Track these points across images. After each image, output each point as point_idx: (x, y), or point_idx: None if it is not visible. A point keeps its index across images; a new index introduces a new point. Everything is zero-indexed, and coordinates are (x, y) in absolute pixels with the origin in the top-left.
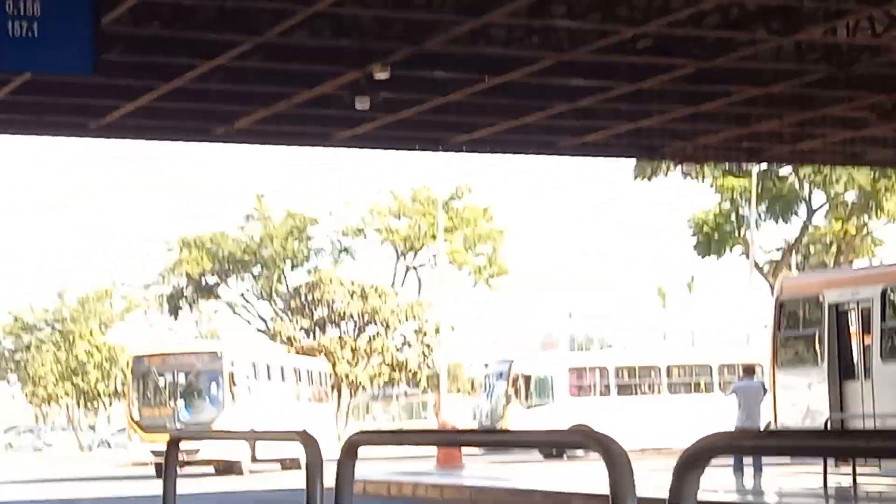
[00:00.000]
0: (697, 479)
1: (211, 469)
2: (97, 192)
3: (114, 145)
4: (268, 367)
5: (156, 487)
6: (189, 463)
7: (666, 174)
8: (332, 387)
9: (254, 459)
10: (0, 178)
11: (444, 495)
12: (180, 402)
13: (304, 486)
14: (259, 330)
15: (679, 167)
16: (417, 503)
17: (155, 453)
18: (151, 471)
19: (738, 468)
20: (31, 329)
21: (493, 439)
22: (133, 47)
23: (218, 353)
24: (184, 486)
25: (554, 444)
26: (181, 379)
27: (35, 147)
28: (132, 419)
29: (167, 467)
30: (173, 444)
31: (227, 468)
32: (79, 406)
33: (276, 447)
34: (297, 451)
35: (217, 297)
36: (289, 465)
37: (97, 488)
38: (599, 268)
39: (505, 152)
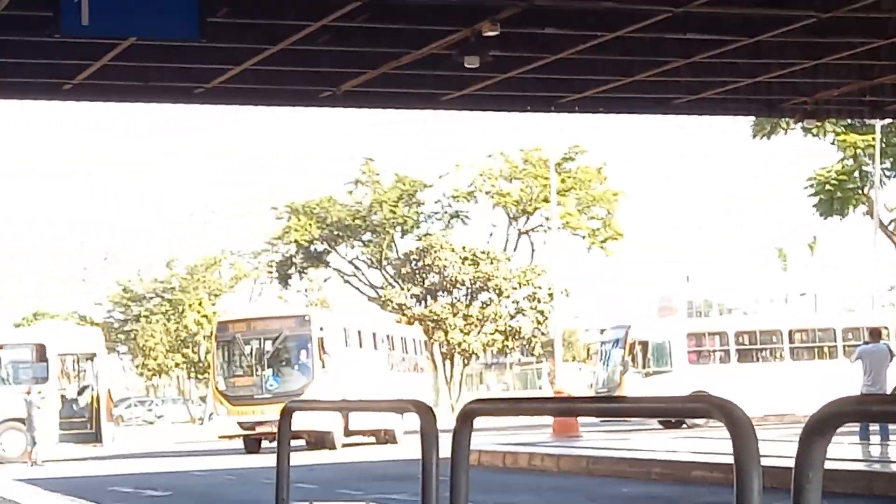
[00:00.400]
0: (825, 447)
1: (301, 442)
2: (200, 159)
3: (216, 111)
4: (359, 334)
5: (246, 462)
6: (276, 435)
7: (786, 132)
8: (444, 355)
9: (347, 432)
10: (104, 146)
11: (561, 466)
12: (267, 371)
13: (402, 457)
14: (369, 298)
15: (799, 124)
16: (533, 474)
17: (242, 425)
18: (239, 444)
19: (864, 436)
20: (141, 300)
21: (611, 408)
22: (238, 9)
23: (306, 317)
24: (261, 461)
25: (674, 413)
26: (268, 346)
27: (139, 112)
28: (217, 390)
29: (281, 439)
30: (286, 415)
31: (318, 440)
32: (189, 377)
33: (371, 418)
34: (392, 422)
35: (326, 264)
36: (384, 437)
37: (200, 462)
38: (718, 230)
39: (618, 112)
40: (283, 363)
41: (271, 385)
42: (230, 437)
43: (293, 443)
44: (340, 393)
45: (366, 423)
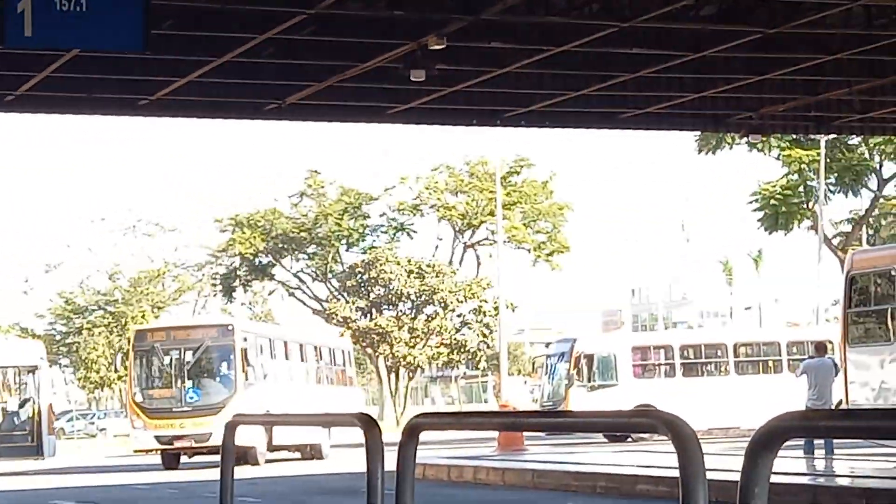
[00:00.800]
0: (771, 462)
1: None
2: (144, 169)
3: (162, 123)
4: (285, 345)
5: (188, 476)
6: (195, 450)
7: (731, 146)
8: (389, 368)
9: (270, 447)
10: (44, 155)
11: (506, 479)
12: (188, 383)
13: (341, 471)
14: (314, 311)
15: (744, 139)
16: (479, 487)
17: (160, 439)
18: (156, 459)
19: (809, 450)
20: (83, 312)
21: (557, 422)
22: (182, 22)
23: (229, 326)
24: (198, 476)
25: (620, 428)
26: (188, 356)
27: (81, 121)
28: (134, 402)
29: (225, 453)
30: (231, 428)
31: (240, 456)
32: None
33: (297, 433)
34: (319, 437)
35: (271, 277)
36: (310, 452)
37: (143, 476)
38: (664, 243)
39: (565, 126)
40: (205, 374)
41: (191, 397)
42: (146, 452)
43: (207, 459)
44: (265, 406)
45: (291, 438)
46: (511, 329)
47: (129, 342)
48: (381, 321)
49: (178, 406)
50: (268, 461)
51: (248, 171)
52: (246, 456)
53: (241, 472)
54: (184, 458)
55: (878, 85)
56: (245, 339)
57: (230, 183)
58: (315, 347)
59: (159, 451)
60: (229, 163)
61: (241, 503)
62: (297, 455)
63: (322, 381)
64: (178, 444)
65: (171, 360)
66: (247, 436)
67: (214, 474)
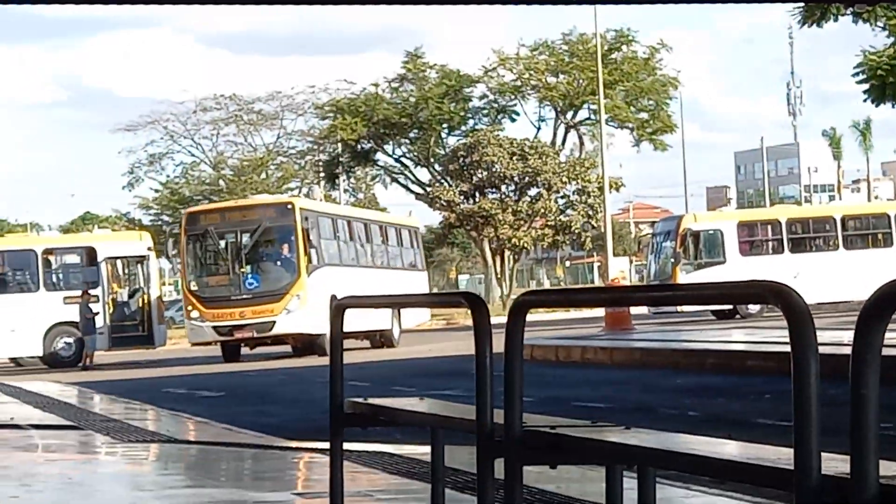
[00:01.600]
0: (884, 330)
1: (287, 348)
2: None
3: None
4: (348, 225)
5: (299, 362)
6: (258, 341)
7: (836, 18)
8: (494, 251)
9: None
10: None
11: (614, 358)
12: (246, 268)
13: (451, 353)
14: (417, 195)
15: (850, 8)
16: (587, 367)
17: (219, 330)
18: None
19: None
20: (188, 202)
21: (666, 295)
22: None
23: (289, 205)
24: (261, 367)
25: (730, 299)
26: (245, 239)
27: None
28: (189, 291)
29: (334, 335)
30: (339, 311)
31: (307, 345)
32: None
33: (367, 319)
34: (387, 323)
35: (374, 162)
36: (379, 341)
37: (253, 364)
38: (768, 119)
39: (667, 1)
40: (264, 258)
41: (251, 284)
42: (205, 345)
43: (271, 349)
44: (331, 291)
45: (361, 324)
46: (615, 209)
47: (180, 226)
48: (485, 204)
49: (236, 294)
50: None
51: (344, 54)
52: (313, 345)
53: (314, 361)
54: (245, 350)
55: None
56: (306, 219)
57: (327, 66)
58: (381, 227)
59: (218, 343)
60: (321, 42)
61: (350, 387)
62: (367, 343)
63: (389, 263)
64: (238, 335)
65: (226, 243)
66: (313, 322)
67: (286, 364)
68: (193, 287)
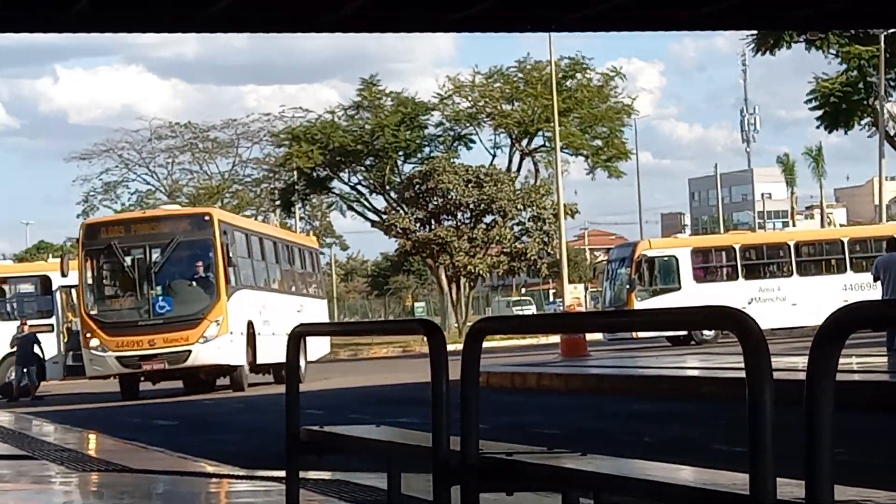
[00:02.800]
0: (837, 354)
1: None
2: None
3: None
4: (261, 242)
5: (253, 391)
6: (168, 373)
7: (789, 45)
8: (449, 278)
9: (254, 367)
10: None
11: (570, 385)
12: (157, 289)
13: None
14: (373, 223)
15: (803, 36)
16: (542, 394)
17: (124, 361)
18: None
19: (892, 346)
20: None
21: (621, 321)
22: None
23: (206, 215)
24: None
25: (685, 324)
26: (155, 255)
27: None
28: (88, 316)
29: (290, 363)
30: (295, 339)
31: (222, 376)
32: None
33: (276, 349)
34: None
35: (329, 190)
36: (282, 375)
37: (208, 391)
38: (722, 147)
39: (622, 29)
40: (177, 278)
41: (161, 307)
42: (104, 378)
43: (172, 385)
44: (247, 317)
45: (272, 356)
46: (571, 236)
47: (78, 241)
48: (441, 231)
49: (145, 319)
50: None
51: (299, 82)
52: (233, 377)
53: (225, 395)
54: (144, 386)
55: None
56: (225, 233)
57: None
58: (288, 247)
59: (119, 377)
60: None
61: (306, 414)
62: (270, 378)
63: (296, 288)
64: (147, 367)
65: (133, 260)
66: (231, 352)
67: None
68: (93, 311)
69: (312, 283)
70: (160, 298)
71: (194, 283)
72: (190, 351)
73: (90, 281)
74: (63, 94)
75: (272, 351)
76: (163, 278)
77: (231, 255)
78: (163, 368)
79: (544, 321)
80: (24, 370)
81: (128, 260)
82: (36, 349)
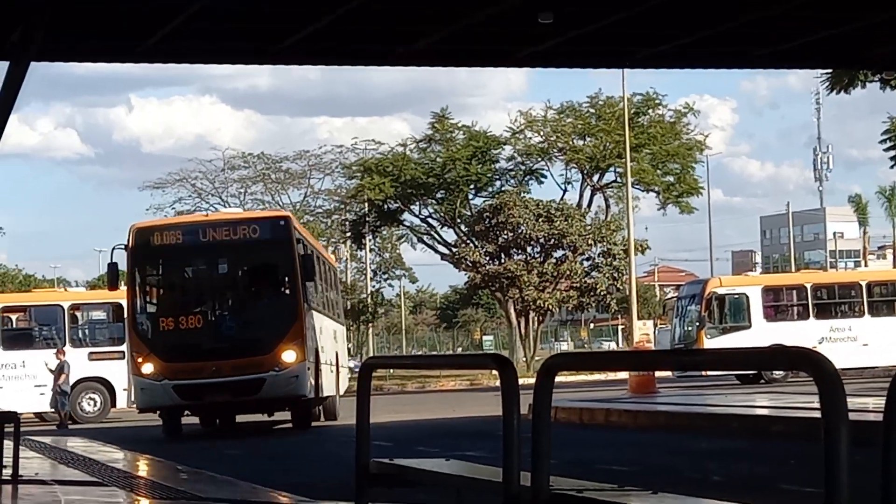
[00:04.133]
0: None
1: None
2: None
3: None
4: (316, 258)
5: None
6: (236, 405)
7: (864, 84)
8: (518, 312)
9: (316, 400)
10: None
11: (638, 421)
12: (223, 307)
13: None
14: (443, 256)
15: (878, 75)
16: (610, 430)
17: (182, 392)
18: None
19: None
20: None
21: (696, 360)
22: None
23: (281, 220)
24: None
25: (760, 364)
26: (222, 266)
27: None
28: (138, 336)
29: (362, 394)
30: (367, 371)
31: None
32: None
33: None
34: (332, 389)
35: (400, 223)
36: (314, 412)
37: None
38: (794, 183)
39: (694, 66)
40: (249, 292)
41: (229, 327)
42: (153, 411)
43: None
44: (315, 344)
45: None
46: (641, 272)
47: (126, 247)
48: (510, 265)
49: (209, 342)
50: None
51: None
52: (314, 412)
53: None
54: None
55: None
56: (299, 241)
57: (355, 129)
58: (323, 262)
59: (182, 409)
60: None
61: (376, 446)
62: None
63: (330, 309)
64: (210, 399)
65: (194, 271)
66: (303, 383)
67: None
68: (145, 331)
69: (338, 305)
70: (227, 317)
71: (269, 300)
72: (264, 380)
73: (142, 296)
74: (137, 123)
75: (325, 382)
76: (231, 293)
77: (307, 268)
78: (229, 401)
79: (616, 358)
80: (60, 399)
81: (188, 271)
82: (61, 378)
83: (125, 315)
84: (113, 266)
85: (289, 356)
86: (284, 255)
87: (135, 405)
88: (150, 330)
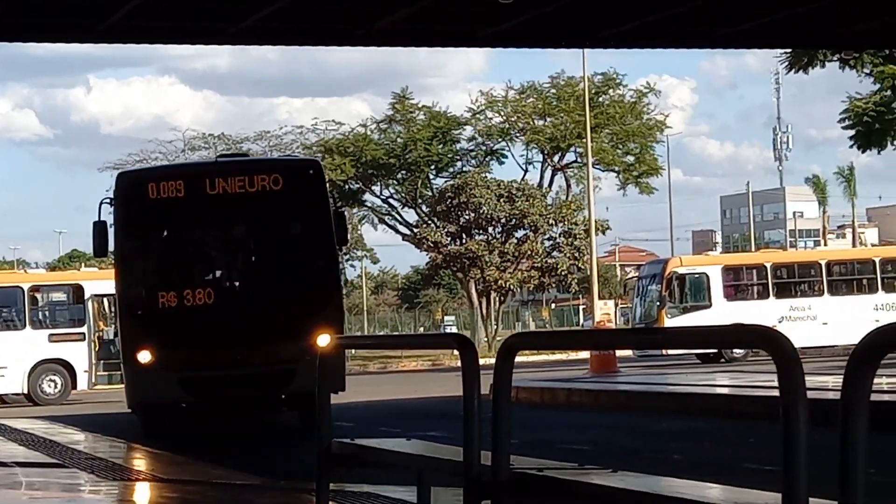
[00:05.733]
0: (872, 376)
1: None
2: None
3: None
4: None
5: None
6: (251, 402)
7: (823, 64)
8: (480, 293)
9: None
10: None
11: (600, 401)
12: (239, 277)
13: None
14: (404, 236)
15: (837, 55)
16: (572, 410)
17: (190, 385)
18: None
19: None
20: None
21: (656, 338)
22: None
23: (312, 168)
24: None
25: (719, 343)
26: (240, 226)
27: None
28: (130, 316)
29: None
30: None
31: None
32: None
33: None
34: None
35: (361, 203)
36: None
37: None
38: (753, 164)
39: (656, 46)
40: (273, 260)
41: (250, 305)
42: (158, 405)
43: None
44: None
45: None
46: (602, 252)
47: (112, 201)
48: (472, 245)
49: (225, 324)
50: None
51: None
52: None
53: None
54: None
55: None
56: (330, 196)
57: (315, 109)
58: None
59: (183, 403)
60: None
61: (336, 426)
62: None
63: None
64: (226, 395)
65: (202, 232)
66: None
67: None
68: (140, 308)
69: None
70: (247, 291)
71: (299, 270)
72: (295, 371)
73: (135, 263)
74: (96, 104)
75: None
76: (250, 260)
77: (341, 229)
78: (251, 396)
79: (576, 337)
80: None
81: (194, 231)
82: None
83: (115, 288)
84: (101, 225)
85: (324, 340)
86: (317, 212)
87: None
88: (148, 307)
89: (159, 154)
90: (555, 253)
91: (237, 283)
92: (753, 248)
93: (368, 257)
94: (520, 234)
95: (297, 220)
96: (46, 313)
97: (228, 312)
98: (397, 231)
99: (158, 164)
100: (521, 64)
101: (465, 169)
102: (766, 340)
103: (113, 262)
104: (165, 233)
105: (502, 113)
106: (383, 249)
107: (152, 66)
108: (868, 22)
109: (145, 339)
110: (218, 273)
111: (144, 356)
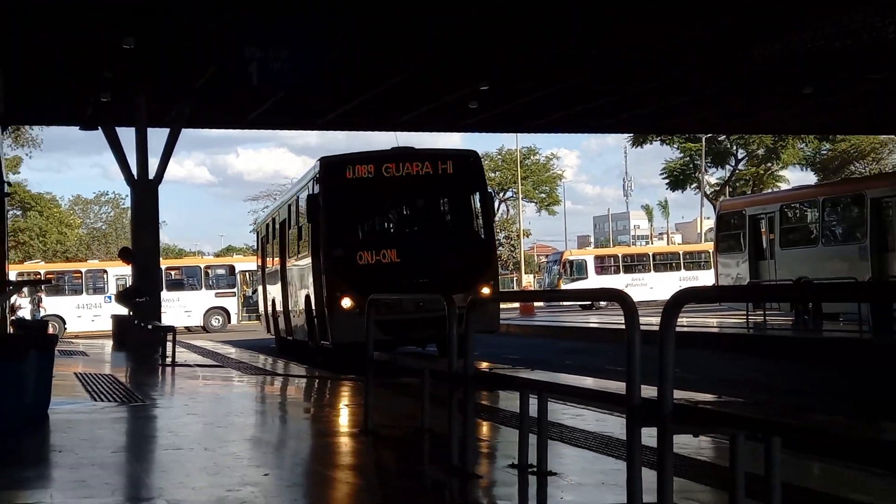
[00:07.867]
0: (676, 317)
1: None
2: None
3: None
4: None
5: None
6: (426, 339)
7: (651, 142)
8: None
9: None
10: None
11: (524, 331)
12: (422, 244)
13: None
14: None
15: (660, 137)
16: (508, 336)
17: (385, 327)
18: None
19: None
20: None
21: (555, 296)
22: (337, 79)
23: (472, 157)
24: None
25: (591, 298)
26: (419, 202)
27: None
28: (332, 270)
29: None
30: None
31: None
32: None
33: None
34: None
35: None
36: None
37: None
38: (612, 198)
39: (562, 131)
40: (447, 230)
41: (429, 265)
42: (352, 345)
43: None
44: None
45: None
46: (527, 247)
47: (316, 181)
48: None
49: (410, 278)
50: None
51: None
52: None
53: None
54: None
55: (751, 101)
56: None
57: None
58: None
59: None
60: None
61: (504, 357)
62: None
63: None
64: (414, 335)
65: (389, 205)
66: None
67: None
68: (341, 266)
69: None
70: (427, 253)
71: (464, 237)
72: (463, 316)
73: (336, 229)
74: (241, 163)
75: None
76: (427, 229)
77: (490, 209)
78: (429, 335)
79: (516, 295)
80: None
81: (382, 204)
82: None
83: (319, 249)
84: (314, 198)
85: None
86: (477, 193)
87: (329, 339)
88: (348, 265)
89: (277, 190)
90: (500, 248)
91: (417, 246)
92: (612, 245)
93: None
94: None
95: (462, 196)
96: (213, 280)
97: (411, 269)
98: None
99: (354, 152)
100: (479, 141)
101: None
102: (618, 297)
103: (311, 230)
104: (360, 205)
105: None
106: None
107: (272, 142)
108: (677, 119)
109: (348, 290)
110: (402, 237)
111: (347, 303)
